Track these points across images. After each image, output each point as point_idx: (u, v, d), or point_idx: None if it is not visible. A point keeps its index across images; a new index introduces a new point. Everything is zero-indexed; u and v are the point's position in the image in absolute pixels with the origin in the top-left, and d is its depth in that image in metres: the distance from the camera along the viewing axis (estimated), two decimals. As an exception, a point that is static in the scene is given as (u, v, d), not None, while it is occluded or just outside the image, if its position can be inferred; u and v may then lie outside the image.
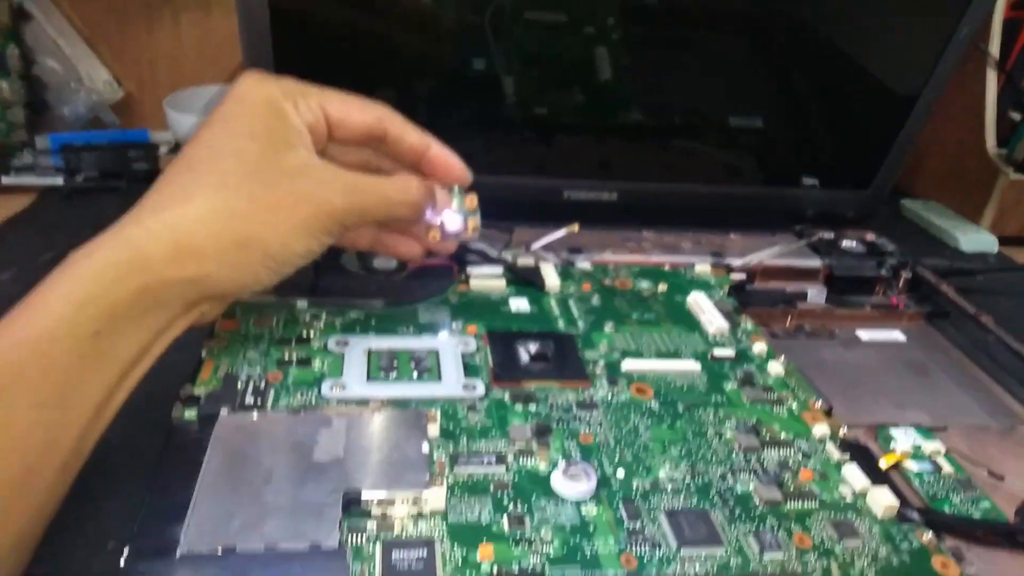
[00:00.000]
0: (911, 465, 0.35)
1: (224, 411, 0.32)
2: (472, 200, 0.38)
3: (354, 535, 0.28)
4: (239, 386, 0.35)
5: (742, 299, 0.47)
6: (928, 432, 0.37)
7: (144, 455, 0.30)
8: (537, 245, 0.48)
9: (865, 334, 0.48)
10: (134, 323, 0.28)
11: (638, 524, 0.30)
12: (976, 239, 0.62)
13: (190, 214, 0.29)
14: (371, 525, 0.28)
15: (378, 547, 0.27)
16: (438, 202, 0.38)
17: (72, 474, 0.27)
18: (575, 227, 0.48)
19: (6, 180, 0.58)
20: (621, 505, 0.30)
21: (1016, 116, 0.65)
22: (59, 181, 0.59)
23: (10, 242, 0.52)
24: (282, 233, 0.31)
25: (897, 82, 0.56)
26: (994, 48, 0.62)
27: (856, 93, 0.56)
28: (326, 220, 0.32)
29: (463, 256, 0.46)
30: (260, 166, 0.31)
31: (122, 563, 0.26)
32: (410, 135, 0.36)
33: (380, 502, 0.29)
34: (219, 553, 0.26)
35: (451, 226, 0.38)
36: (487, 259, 0.46)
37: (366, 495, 0.29)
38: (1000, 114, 0.64)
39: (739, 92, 0.56)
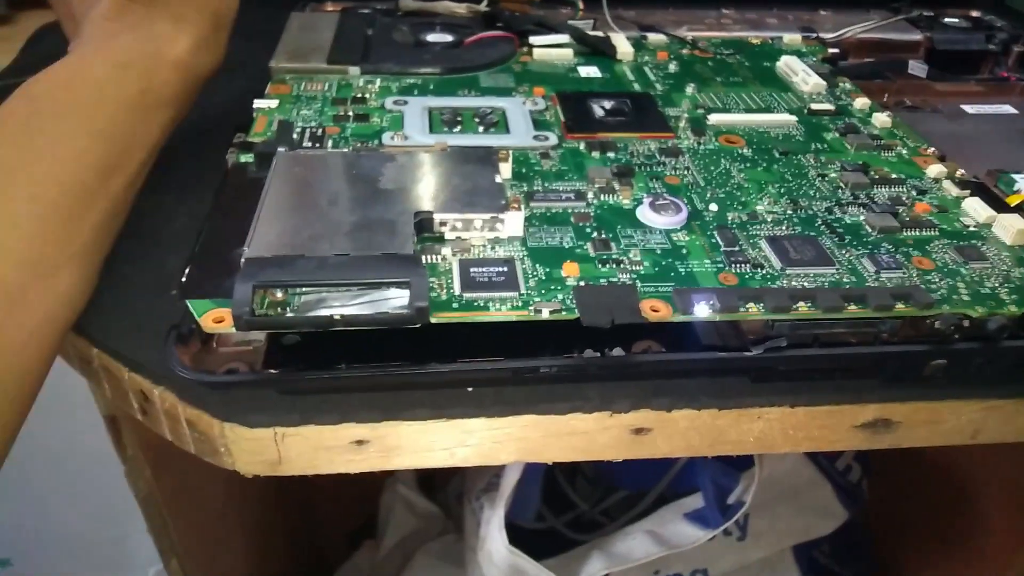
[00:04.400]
0: (1040, 205, 0.31)
1: (282, 149, 0.30)
2: None
3: (429, 256, 0.26)
4: (295, 135, 0.32)
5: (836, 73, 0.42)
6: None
7: (203, 212, 0.29)
8: None
9: (971, 108, 0.44)
10: (179, 99, 0.29)
11: (736, 249, 0.27)
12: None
13: None
14: (446, 250, 0.26)
15: (455, 265, 0.25)
16: None
17: (122, 217, 0.27)
18: None
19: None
20: (716, 233, 0.28)
21: None
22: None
23: (46, 43, 0.49)
24: None
25: None
26: None
27: None
28: None
29: (523, 27, 0.42)
30: None
31: (184, 278, 0.25)
32: None
33: (454, 227, 0.27)
34: (288, 258, 0.24)
35: None
36: (551, 29, 0.42)
37: (439, 217, 0.26)
38: None
39: None
